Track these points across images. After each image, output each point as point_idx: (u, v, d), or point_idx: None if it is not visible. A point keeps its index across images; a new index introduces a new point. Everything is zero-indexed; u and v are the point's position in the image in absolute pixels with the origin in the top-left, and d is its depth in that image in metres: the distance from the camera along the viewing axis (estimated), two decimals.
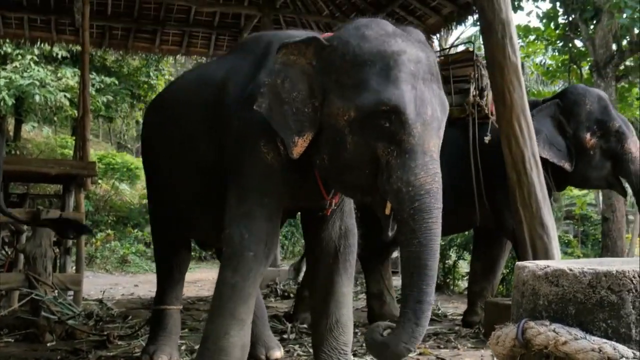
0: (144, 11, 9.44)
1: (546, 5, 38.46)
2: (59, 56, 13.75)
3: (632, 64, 10.40)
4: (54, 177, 6.26)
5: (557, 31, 10.85)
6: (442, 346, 4.69)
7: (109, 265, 12.54)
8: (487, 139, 4.98)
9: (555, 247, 4.37)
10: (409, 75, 2.66)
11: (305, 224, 3.54)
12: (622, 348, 1.58)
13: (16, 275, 5.40)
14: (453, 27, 8.62)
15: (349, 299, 3.41)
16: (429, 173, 2.61)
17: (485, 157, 5.05)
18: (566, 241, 12.67)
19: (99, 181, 15.06)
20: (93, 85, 13.70)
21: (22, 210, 5.81)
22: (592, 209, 15.81)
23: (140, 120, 18.19)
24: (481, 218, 5.13)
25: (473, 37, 16.29)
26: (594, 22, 9.62)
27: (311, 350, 3.99)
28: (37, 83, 13.11)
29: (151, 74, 16.16)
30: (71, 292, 5.96)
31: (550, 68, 13.04)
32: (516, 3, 9.62)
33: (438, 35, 10.97)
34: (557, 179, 5.13)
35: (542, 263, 1.83)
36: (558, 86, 14.12)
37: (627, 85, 11.02)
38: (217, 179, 3.27)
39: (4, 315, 5.16)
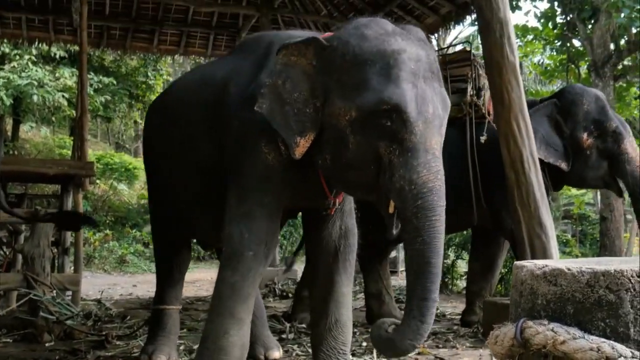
0: (142, 11, 9.44)
1: (544, 5, 38.56)
2: (57, 56, 13.74)
3: (630, 63, 10.42)
4: (52, 177, 6.25)
5: (555, 31, 10.86)
6: (440, 345, 4.70)
7: (107, 266, 12.54)
8: (482, 138, 4.99)
9: (554, 246, 4.37)
10: (410, 74, 2.67)
11: (306, 224, 3.54)
12: (620, 347, 1.59)
13: (14, 275, 5.39)
14: (451, 27, 8.63)
15: (349, 298, 3.41)
16: (432, 171, 2.62)
17: (482, 157, 5.06)
18: (564, 240, 12.69)
19: (97, 181, 15.05)
20: (91, 85, 13.71)
21: (20, 211, 5.80)
22: (591, 208, 15.83)
23: (139, 120, 18.24)
24: (479, 218, 5.13)
25: (471, 37, 16.31)
26: (592, 21, 9.63)
27: (310, 350, 4.00)
28: (35, 83, 13.11)
29: (149, 74, 16.16)
30: (69, 292, 5.95)
31: (549, 68, 13.05)
32: (514, 2, 9.64)
33: (436, 34, 10.99)
34: (554, 179, 5.14)
35: (540, 262, 1.83)
36: (556, 86, 14.14)
37: (625, 85, 11.04)
38: (217, 179, 3.27)
39: (2, 315, 5.16)
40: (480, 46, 4.75)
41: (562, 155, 5.07)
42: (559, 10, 10.31)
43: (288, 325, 5.23)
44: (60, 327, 4.81)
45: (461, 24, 8.65)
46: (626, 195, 5.52)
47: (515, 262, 1.95)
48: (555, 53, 12.23)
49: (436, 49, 9.83)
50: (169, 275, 4.17)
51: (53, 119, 16.16)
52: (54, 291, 5.26)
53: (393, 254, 11.17)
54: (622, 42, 9.74)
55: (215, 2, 9.25)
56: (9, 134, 16.22)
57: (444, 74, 4.90)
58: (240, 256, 3.02)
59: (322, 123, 2.82)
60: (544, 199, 4.43)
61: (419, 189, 2.58)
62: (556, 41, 11.17)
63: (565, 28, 10.31)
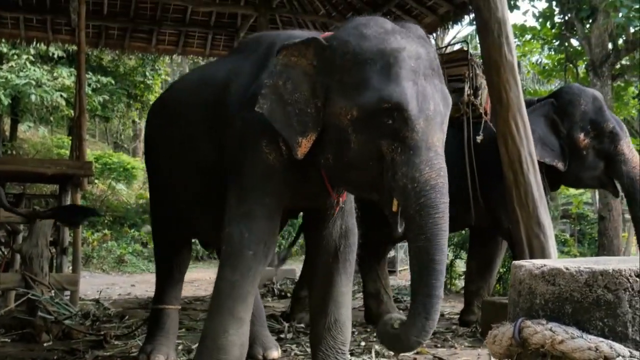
0: (140, 11, 9.42)
1: (542, 5, 38.50)
2: (55, 56, 13.73)
3: (628, 62, 10.44)
4: (50, 177, 6.24)
5: (553, 30, 10.87)
6: (439, 345, 4.70)
7: (105, 265, 12.54)
8: (479, 138, 5.00)
9: (552, 246, 4.37)
10: (410, 72, 2.67)
11: (306, 223, 3.54)
12: (618, 347, 1.59)
13: (13, 275, 5.38)
14: (449, 27, 8.60)
15: (348, 298, 3.41)
16: (434, 168, 2.62)
17: (480, 156, 5.06)
18: (563, 240, 12.72)
19: (96, 181, 15.04)
20: (89, 85, 13.69)
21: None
22: (589, 207, 15.85)
23: (137, 119, 18.23)
24: (476, 217, 5.14)
25: (469, 37, 16.31)
26: (590, 21, 9.64)
27: (308, 349, 3.99)
28: (33, 83, 13.09)
29: (147, 73, 16.14)
30: (68, 292, 5.95)
31: (547, 67, 13.09)
32: (512, 2, 9.64)
33: (434, 34, 10.98)
34: (550, 179, 5.15)
35: (538, 262, 1.84)
36: (554, 85, 14.17)
37: (623, 84, 11.06)
38: (217, 179, 3.27)
39: (1, 315, 5.15)
40: (479, 46, 4.75)
41: (558, 155, 5.08)
42: (557, 10, 10.33)
43: (286, 325, 5.23)
44: (59, 327, 4.81)
45: (459, 23, 8.62)
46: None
47: (513, 262, 1.95)
48: (553, 52, 12.26)
49: None
50: (169, 275, 4.17)
51: (51, 118, 16.14)
52: (52, 291, 5.25)
53: (391, 253, 11.18)
54: (620, 41, 9.76)
55: (213, 2, 9.23)
56: (7, 133, 16.21)
57: None
58: (240, 255, 3.02)
59: (324, 123, 2.83)
60: (542, 199, 4.43)
61: (421, 186, 2.58)
62: (554, 41, 11.19)
63: (563, 27, 10.33)
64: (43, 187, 12.34)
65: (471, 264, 5.91)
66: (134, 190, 17.26)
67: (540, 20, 10.80)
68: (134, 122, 19.30)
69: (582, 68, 10.93)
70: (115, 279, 11.15)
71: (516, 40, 11.77)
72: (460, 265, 8.77)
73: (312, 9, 9.37)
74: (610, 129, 5.07)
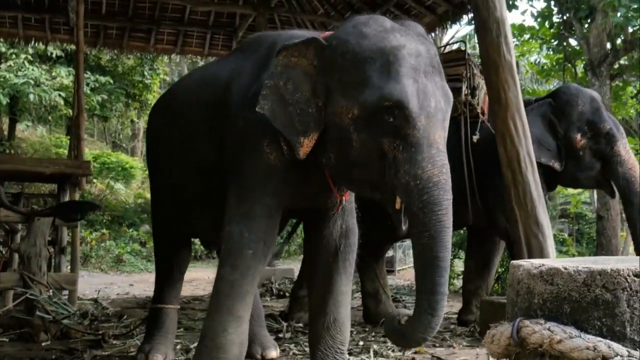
0: (138, 10, 9.43)
1: (541, 4, 38.53)
2: (54, 55, 13.71)
3: (626, 62, 10.45)
4: (49, 176, 6.24)
5: (552, 30, 10.87)
6: (437, 345, 4.70)
7: (104, 265, 12.52)
8: (475, 138, 5.00)
9: (550, 245, 4.37)
10: (410, 69, 2.67)
11: (306, 222, 3.54)
12: (616, 346, 1.59)
13: (11, 274, 5.38)
14: (448, 26, 8.61)
15: (348, 298, 3.41)
16: (436, 165, 2.62)
17: (477, 156, 5.06)
18: (561, 240, 12.71)
19: (94, 180, 15.03)
20: (88, 84, 13.68)
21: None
22: (587, 207, 15.85)
23: (135, 119, 18.21)
24: (474, 216, 5.14)
25: (468, 37, 16.31)
26: (589, 20, 9.64)
27: (307, 349, 3.99)
28: (32, 82, 13.08)
29: (146, 73, 16.12)
30: (66, 292, 5.95)
31: (545, 67, 13.08)
32: (510, 2, 9.63)
33: (433, 34, 10.99)
34: (547, 179, 5.15)
35: (537, 262, 1.84)
36: (553, 85, 14.17)
37: (621, 84, 11.06)
38: (217, 178, 3.27)
39: None
40: (477, 45, 4.75)
41: (555, 155, 5.09)
42: (555, 10, 10.32)
43: (285, 324, 5.23)
44: (57, 326, 4.81)
45: (458, 23, 8.65)
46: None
47: (512, 262, 1.95)
48: (551, 52, 12.26)
49: None
50: (169, 275, 4.17)
51: (49, 118, 16.12)
52: (51, 290, 5.25)
53: (390, 253, 11.19)
54: (619, 41, 9.76)
55: (212, 2, 9.24)
56: (5, 133, 16.19)
57: None
58: (240, 254, 3.02)
59: (325, 122, 2.83)
60: (540, 198, 4.43)
61: (424, 183, 2.59)
62: (553, 40, 11.19)
63: (561, 27, 10.33)
64: (41, 187, 12.33)
65: (469, 263, 5.91)
66: (132, 190, 17.24)
67: (538, 19, 10.80)
68: (132, 121, 19.27)
69: (580, 68, 10.93)
70: (113, 279, 11.13)
71: (514, 39, 11.77)
72: (459, 265, 8.77)
73: (311, 8, 9.38)
74: (607, 130, 5.08)
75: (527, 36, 12.38)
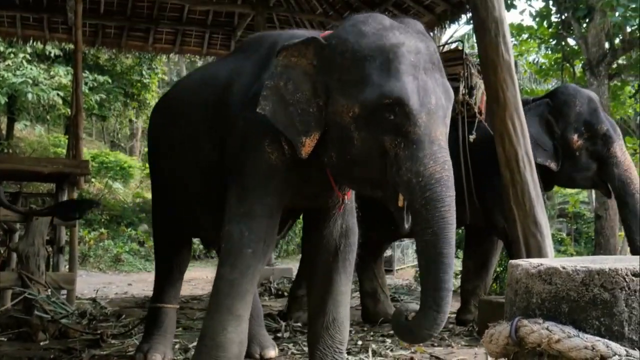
0: (137, 9, 9.43)
1: (539, 4, 38.58)
2: (52, 54, 13.69)
3: (624, 62, 10.45)
4: (47, 175, 6.24)
5: (550, 30, 10.88)
6: (435, 344, 4.69)
7: (102, 264, 12.52)
8: (471, 137, 5.00)
9: (549, 245, 4.38)
10: (410, 67, 2.67)
11: (306, 222, 3.54)
12: (615, 346, 1.59)
13: (9, 274, 5.38)
14: (446, 26, 8.63)
15: (347, 297, 3.41)
16: (438, 162, 2.62)
17: (475, 156, 5.06)
18: (559, 239, 12.74)
19: (92, 180, 15.02)
20: (86, 83, 13.66)
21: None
22: (585, 207, 15.87)
23: (134, 118, 18.20)
24: (471, 216, 5.14)
25: (466, 36, 16.33)
26: (587, 20, 9.64)
27: (305, 348, 3.99)
28: (30, 81, 13.07)
29: (144, 72, 16.11)
30: (64, 291, 5.93)
31: (544, 66, 13.09)
32: (509, 1, 9.64)
33: (431, 33, 10.99)
34: (544, 179, 5.15)
35: (535, 261, 1.83)
36: (551, 84, 14.17)
37: (619, 84, 11.07)
38: (218, 178, 3.27)
39: None
40: (476, 45, 4.75)
41: (551, 155, 5.09)
42: (553, 9, 10.32)
43: (283, 324, 5.23)
44: (55, 326, 4.80)
45: (456, 22, 8.65)
46: None
47: (510, 261, 1.95)
48: (550, 52, 12.27)
49: None
50: (169, 274, 4.17)
51: (48, 117, 16.11)
52: (49, 290, 5.25)
53: (388, 252, 11.19)
54: (617, 40, 9.76)
55: (210, 1, 9.24)
56: (4, 132, 16.17)
57: None
58: (239, 253, 3.02)
59: (326, 121, 2.83)
60: (539, 198, 4.44)
61: (426, 180, 2.58)
62: (551, 40, 11.19)
63: (560, 27, 10.33)
64: (40, 186, 12.30)
65: (467, 263, 5.92)
66: (130, 189, 17.23)
67: (537, 19, 10.80)
68: (130, 121, 19.26)
69: (578, 67, 10.94)
70: (112, 278, 11.13)
71: (513, 39, 11.78)
72: (457, 265, 8.74)
73: (309, 7, 9.38)
74: (604, 131, 5.09)
75: (525, 36, 12.38)
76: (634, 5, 8.47)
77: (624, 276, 1.63)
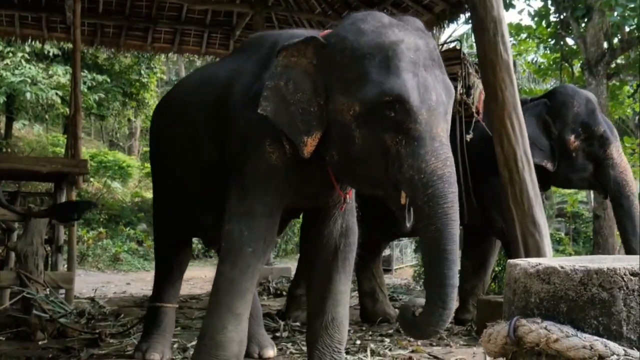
0: (135, 9, 9.42)
1: (538, 4, 38.55)
2: (51, 54, 13.67)
3: (623, 61, 10.45)
4: (46, 175, 6.23)
5: (549, 29, 10.87)
6: (434, 343, 4.69)
7: (101, 264, 12.51)
8: (468, 137, 5.00)
9: (547, 244, 4.38)
10: (409, 64, 2.67)
11: (306, 221, 3.54)
12: (613, 345, 1.59)
13: (7, 273, 5.37)
14: (445, 25, 8.61)
15: (346, 297, 3.41)
16: (440, 158, 2.62)
17: (473, 155, 5.06)
18: (558, 239, 12.74)
19: (91, 179, 15.00)
20: (85, 83, 13.64)
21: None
22: (584, 206, 15.88)
23: (132, 118, 18.18)
24: (469, 216, 5.14)
25: (465, 36, 16.32)
26: (585, 20, 9.64)
27: (304, 348, 3.99)
28: (29, 81, 13.05)
29: (143, 72, 16.09)
30: (63, 291, 5.93)
31: (542, 66, 13.08)
32: (508, 1, 9.64)
33: (430, 33, 11.00)
34: (540, 179, 5.16)
35: (533, 261, 1.84)
36: (550, 84, 14.17)
37: (618, 84, 11.07)
38: (218, 178, 3.28)
39: None
40: (474, 44, 4.75)
41: (548, 155, 5.09)
42: (552, 9, 10.32)
43: (282, 323, 5.23)
44: (54, 325, 4.80)
45: (455, 22, 8.63)
46: None
47: (508, 261, 1.96)
48: (548, 51, 12.26)
49: None
50: (169, 274, 4.18)
51: (46, 116, 16.09)
52: (47, 289, 5.24)
53: (387, 252, 11.19)
54: (616, 40, 9.76)
55: (209, 0, 9.23)
56: (2, 131, 16.16)
57: None
58: (239, 252, 3.02)
59: (328, 120, 2.83)
60: (537, 198, 4.44)
61: (428, 177, 2.58)
62: (550, 40, 11.18)
63: (558, 26, 10.32)
64: (38, 185, 12.28)
65: (466, 263, 5.91)
66: (129, 189, 17.22)
67: (535, 19, 10.79)
68: (129, 120, 19.23)
69: (577, 67, 10.94)
70: (110, 277, 11.13)
71: (512, 39, 11.77)
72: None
73: (308, 7, 9.37)
74: (601, 132, 5.09)
75: (524, 35, 12.37)
76: (632, 5, 8.47)
77: (622, 276, 1.64)
